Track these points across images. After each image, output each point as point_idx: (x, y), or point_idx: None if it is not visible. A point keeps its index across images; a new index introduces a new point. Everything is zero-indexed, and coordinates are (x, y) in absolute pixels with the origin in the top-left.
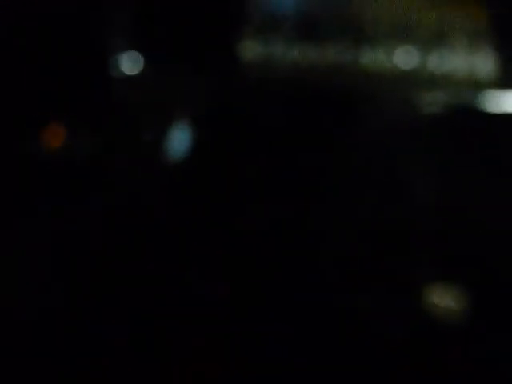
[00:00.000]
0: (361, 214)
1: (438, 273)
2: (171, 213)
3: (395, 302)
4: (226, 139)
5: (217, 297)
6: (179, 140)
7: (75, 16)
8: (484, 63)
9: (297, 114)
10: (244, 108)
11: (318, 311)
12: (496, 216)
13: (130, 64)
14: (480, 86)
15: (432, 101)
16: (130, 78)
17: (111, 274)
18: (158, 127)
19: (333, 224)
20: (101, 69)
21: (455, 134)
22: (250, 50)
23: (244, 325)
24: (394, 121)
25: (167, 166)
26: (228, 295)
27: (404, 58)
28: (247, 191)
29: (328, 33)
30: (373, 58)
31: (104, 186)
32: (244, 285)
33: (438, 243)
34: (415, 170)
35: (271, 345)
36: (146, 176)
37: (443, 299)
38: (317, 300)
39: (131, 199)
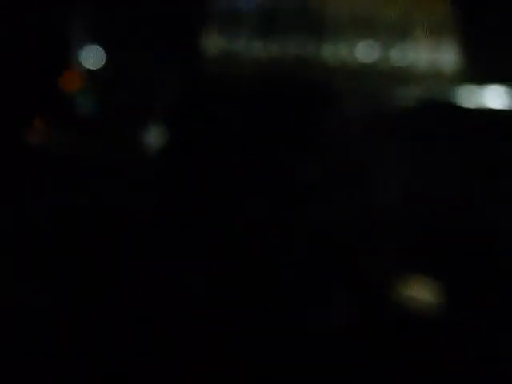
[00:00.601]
0: (330, 209)
1: (414, 266)
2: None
3: (373, 295)
4: (189, 134)
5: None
6: (141, 133)
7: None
8: (446, 57)
9: (259, 108)
10: (206, 102)
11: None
12: (471, 210)
13: (92, 58)
14: (442, 79)
15: (394, 95)
16: (92, 71)
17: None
18: (120, 121)
19: (305, 218)
20: (62, 62)
21: (417, 126)
22: (212, 45)
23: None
24: (355, 114)
25: (127, 159)
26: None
27: (366, 52)
28: (209, 183)
29: (290, 28)
30: (335, 52)
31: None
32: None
33: (413, 236)
34: (378, 162)
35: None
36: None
37: (419, 292)
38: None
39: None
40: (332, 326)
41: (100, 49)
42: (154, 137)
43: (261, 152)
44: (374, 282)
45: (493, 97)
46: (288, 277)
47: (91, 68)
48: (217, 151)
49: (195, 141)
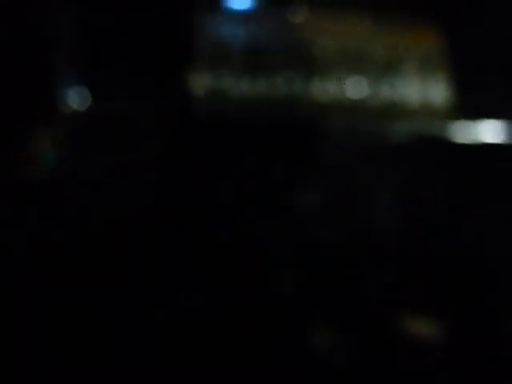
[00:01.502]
0: (325, 246)
1: (419, 302)
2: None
3: (378, 332)
4: (177, 171)
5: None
6: (129, 173)
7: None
8: (435, 91)
9: (248, 146)
10: (194, 141)
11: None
12: (471, 245)
13: (78, 99)
14: (432, 114)
15: (384, 130)
16: (78, 113)
17: None
18: (108, 162)
19: (295, 253)
20: (49, 103)
21: (407, 162)
22: (200, 83)
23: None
24: (345, 150)
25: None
26: None
27: (355, 88)
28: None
29: (278, 65)
30: (324, 88)
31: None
32: None
33: (416, 273)
34: (367, 197)
35: None
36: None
37: (424, 328)
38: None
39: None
40: (331, 362)
41: (85, 89)
42: (141, 174)
43: (251, 189)
44: (374, 318)
45: (484, 132)
46: (280, 318)
47: (77, 109)
48: (207, 189)
49: (184, 179)
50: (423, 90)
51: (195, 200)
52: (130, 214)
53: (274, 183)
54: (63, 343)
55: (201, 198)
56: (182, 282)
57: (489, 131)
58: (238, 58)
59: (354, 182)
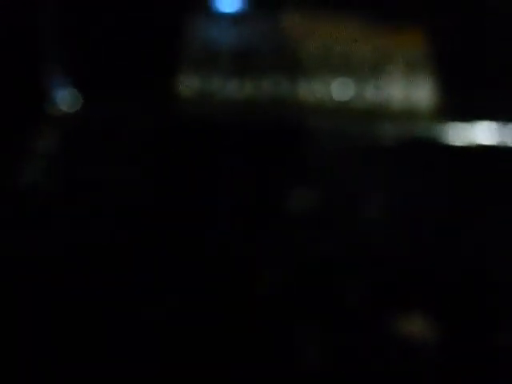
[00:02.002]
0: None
1: (413, 302)
2: None
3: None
4: (166, 173)
5: None
6: (119, 174)
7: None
8: (422, 93)
9: (236, 147)
10: (182, 143)
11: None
12: (466, 247)
13: (68, 101)
14: (418, 115)
15: (371, 131)
16: (68, 114)
17: None
18: (96, 162)
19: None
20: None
21: (395, 163)
22: (188, 85)
23: None
24: (333, 152)
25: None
26: None
27: (341, 89)
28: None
29: (266, 67)
30: (310, 90)
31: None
32: None
33: (410, 274)
34: (356, 198)
35: None
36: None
37: (418, 328)
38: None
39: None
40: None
41: (75, 90)
42: (129, 176)
43: (239, 191)
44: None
45: (472, 133)
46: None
47: (67, 111)
48: (195, 191)
49: (174, 181)
50: (411, 91)
51: (183, 201)
52: (120, 215)
53: (262, 185)
54: (63, 343)
55: (188, 199)
56: (175, 286)
57: (477, 132)
58: (226, 60)
59: (342, 184)
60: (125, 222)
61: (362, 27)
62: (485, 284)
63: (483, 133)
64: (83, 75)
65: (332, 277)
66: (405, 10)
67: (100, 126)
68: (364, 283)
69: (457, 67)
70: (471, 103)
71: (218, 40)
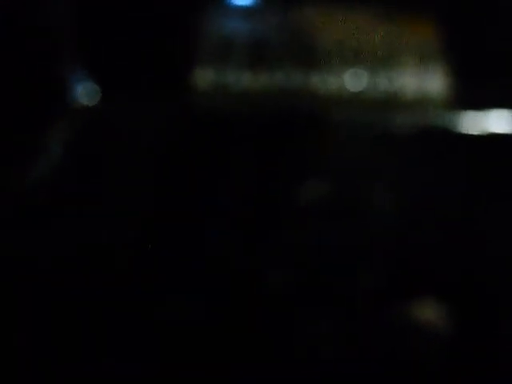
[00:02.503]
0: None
1: (427, 287)
2: None
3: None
4: (180, 167)
5: None
6: (134, 167)
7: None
8: (435, 82)
9: (250, 140)
10: (197, 136)
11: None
12: (477, 231)
13: (87, 94)
14: (431, 105)
15: (383, 122)
16: (87, 108)
17: None
18: (114, 156)
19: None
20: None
21: (408, 154)
22: (203, 77)
23: None
24: (349, 141)
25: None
26: None
27: (355, 80)
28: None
29: (278, 59)
30: (323, 81)
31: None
32: None
33: (423, 258)
34: (370, 189)
35: None
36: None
37: (432, 314)
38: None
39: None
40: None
41: (94, 84)
42: (145, 170)
43: (253, 184)
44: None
45: (485, 122)
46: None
47: (86, 104)
48: (210, 183)
49: (187, 174)
50: (424, 81)
51: (199, 192)
52: (136, 207)
53: (275, 176)
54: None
55: (204, 190)
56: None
57: (491, 121)
58: (239, 52)
59: (355, 174)
60: (142, 212)
61: (375, 17)
62: (500, 273)
63: (497, 121)
64: (102, 69)
65: (345, 266)
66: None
67: (118, 119)
68: (378, 272)
69: (470, 56)
70: (485, 92)
71: (232, 32)
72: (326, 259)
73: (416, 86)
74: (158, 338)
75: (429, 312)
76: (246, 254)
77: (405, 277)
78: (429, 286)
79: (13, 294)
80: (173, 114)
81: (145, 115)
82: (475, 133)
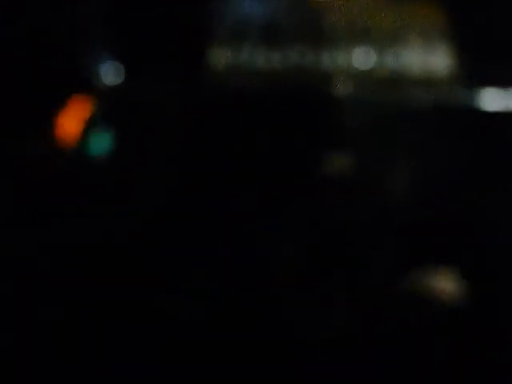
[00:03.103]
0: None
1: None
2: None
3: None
4: (198, 142)
5: None
6: (153, 141)
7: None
8: (441, 61)
9: (266, 116)
10: (215, 112)
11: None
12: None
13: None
14: (436, 82)
15: (392, 99)
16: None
17: None
18: (133, 131)
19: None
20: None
21: (414, 130)
22: (220, 57)
23: None
24: (355, 118)
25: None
26: None
27: (363, 58)
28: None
29: (291, 38)
30: (333, 60)
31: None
32: None
33: (437, 231)
34: (378, 164)
35: None
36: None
37: (445, 284)
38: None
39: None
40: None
41: (116, 63)
42: (164, 144)
43: (268, 158)
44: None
45: (489, 99)
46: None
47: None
48: (225, 158)
49: (204, 148)
50: (430, 59)
51: (217, 167)
52: (158, 184)
53: (288, 150)
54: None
55: (221, 166)
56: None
57: (494, 98)
58: (254, 33)
59: (369, 150)
60: (164, 187)
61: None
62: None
63: (500, 99)
64: (125, 49)
65: (361, 238)
66: None
67: (140, 98)
68: (394, 243)
69: (474, 35)
70: (488, 70)
71: (246, 13)
72: (340, 230)
73: (422, 64)
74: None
75: (444, 283)
76: (259, 226)
77: (419, 248)
78: (444, 258)
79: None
80: (190, 92)
81: (165, 94)
82: (481, 109)
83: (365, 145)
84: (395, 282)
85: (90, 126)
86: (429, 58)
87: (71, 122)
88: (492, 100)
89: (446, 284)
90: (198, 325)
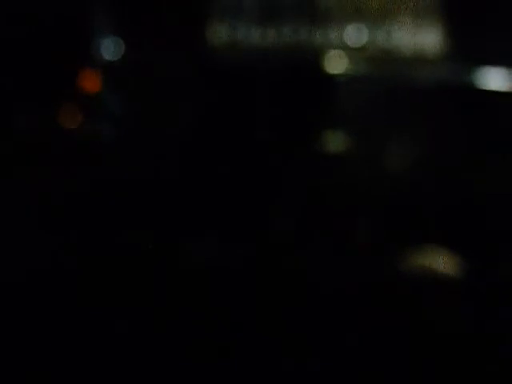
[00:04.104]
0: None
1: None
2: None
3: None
4: (198, 115)
5: None
6: (154, 115)
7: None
8: (431, 38)
9: (263, 91)
10: (212, 86)
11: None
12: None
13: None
14: (428, 60)
15: (384, 75)
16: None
17: None
18: (135, 106)
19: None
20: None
21: (407, 106)
22: (217, 33)
23: None
24: (346, 94)
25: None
26: None
27: (355, 35)
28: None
29: (286, 15)
30: (326, 37)
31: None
32: None
33: (428, 209)
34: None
35: None
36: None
37: (435, 262)
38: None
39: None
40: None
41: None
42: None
43: (264, 134)
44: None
45: (482, 78)
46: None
47: (111, 59)
48: (225, 132)
49: (204, 123)
50: (422, 37)
51: (218, 140)
52: (161, 156)
53: (281, 125)
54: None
55: (220, 138)
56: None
57: (486, 76)
58: (250, 10)
59: (357, 125)
60: (166, 161)
61: None
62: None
63: (493, 77)
64: (126, 25)
65: (361, 215)
66: None
67: (141, 73)
68: (393, 220)
69: (467, 13)
70: (481, 49)
71: None
72: (337, 204)
73: (414, 42)
74: None
75: (437, 261)
76: (261, 200)
77: (414, 226)
78: (438, 236)
79: None
80: (189, 67)
81: (164, 69)
82: (472, 88)
83: (359, 122)
84: (392, 262)
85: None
86: (422, 35)
87: (80, 95)
88: (487, 78)
89: (442, 264)
90: None
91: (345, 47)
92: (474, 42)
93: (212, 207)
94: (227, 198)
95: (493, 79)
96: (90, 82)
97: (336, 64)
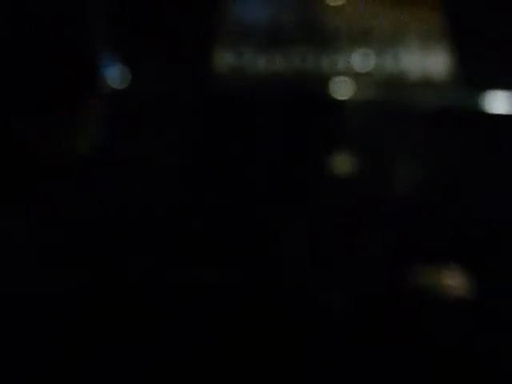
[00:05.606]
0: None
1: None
2: None
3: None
4: (203, 143)
5: None
6: (159, 144)
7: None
8: (438, 63)
9: (269, 118)
10: (218, 115)
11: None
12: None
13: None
14: (435, 84)
15: (390, 100)
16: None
17: None
18: (141, 135)
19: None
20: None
21: (412, 131)
22: (223, 60)
23: None
24: (354, 120)
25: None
26: None
27: (363, 60)
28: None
29: (293, 41)
30: (333, 62)
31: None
32: None
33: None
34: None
35: None
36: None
37: (451, 280)
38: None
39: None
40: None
41: (123, 67)
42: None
43: (271, 160)
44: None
45: (489, 102)
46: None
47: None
48: (230, 160)
49: (209, 151)
50: (429, 61)
51: (219, 170)
52: (165, 182)
53: (288, 153)
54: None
55: (225, 165)
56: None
57: (494, 101)
58: (256, 36)
59: (370, 150)
60: (170, 190)
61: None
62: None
63: (500, 101)
64: (131, 53)
65: (365, 232)
66: None
67: (145, 101)
68: (404, 239)
69: (473, 37)
70: (487, 73)
71: (249, 17)
72: (345, 223)
73: (421, 67)
74: None
75: (449, 278)
76: (271, 217)
77: (425, 244)
78: (448, 254)
79: None
80: (194, 93)
81: (169, 96)
82: (478, 111)
83: (365, 147)
84: (400, 278)
85: (97, 127)
86: (429, 60)
87: (79, 123)
88: (494, 102)
89: (450, 280)
90: None
91: (352, 73)
92: (483, 67)
93: (215, 237)
94: (232, 226)
95: (503, 104)
96: (96, 110)
97: (343, 89)
